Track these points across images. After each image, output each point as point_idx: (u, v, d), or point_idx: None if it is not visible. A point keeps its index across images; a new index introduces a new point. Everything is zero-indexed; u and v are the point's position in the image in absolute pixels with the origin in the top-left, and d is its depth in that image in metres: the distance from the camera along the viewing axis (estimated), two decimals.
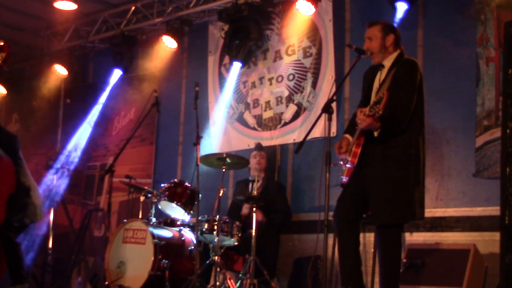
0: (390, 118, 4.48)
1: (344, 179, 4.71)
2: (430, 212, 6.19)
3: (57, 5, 8.10)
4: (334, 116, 4.67)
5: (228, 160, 6.50)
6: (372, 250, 6.09)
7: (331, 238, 4.85)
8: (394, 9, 6.73)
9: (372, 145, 4.61)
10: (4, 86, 10.14)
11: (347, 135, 4.83)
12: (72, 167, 9.76)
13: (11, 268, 5.87)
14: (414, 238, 6.37)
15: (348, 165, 4.66)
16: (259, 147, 7.27)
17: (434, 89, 6.47)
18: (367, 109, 4.51)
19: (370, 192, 4.61)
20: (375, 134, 4.55)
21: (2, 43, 5.83)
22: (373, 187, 4.60)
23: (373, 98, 4.70)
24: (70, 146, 9.81)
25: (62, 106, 10.50)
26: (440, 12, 6.71)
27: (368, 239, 6.35)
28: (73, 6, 8.12)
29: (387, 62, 4.76)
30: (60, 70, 9.66)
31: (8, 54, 5.86)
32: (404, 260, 5.63)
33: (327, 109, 4.54)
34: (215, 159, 6.59)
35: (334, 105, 4.66)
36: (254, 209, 6.32)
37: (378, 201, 4.57)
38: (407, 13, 6.74)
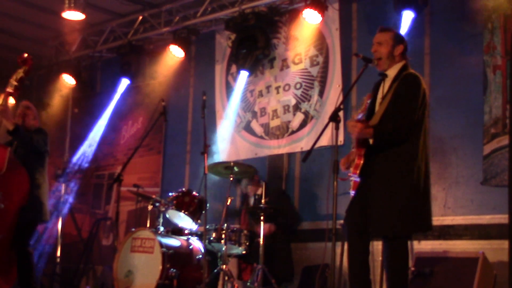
0: (384, 126, 4.48)
1: (352, 193, 4.69)
2: (438, 220, 6.18)
3: (65, 15, 8.12)
4: (341, 124, 4.66)
5: (235, 168, 6.52)
6: (380, 258, 6.07)
7: (339, 246, 4.83)
8: (401, 17, 6.73)
9: (374, 156, 4.59)
10: (12, 96, 10.16)
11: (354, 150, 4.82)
12: (80, 175, 9.80)
13: (21, 277, 5.87)
14: (422, 246, 6.36)
15: (353, 178, 4.64)
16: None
17: (441, 97, 6.47)
18: (355, 116, 4.52)
19: (371, 203, 4.58)
20: (370, 142, 4.53)
21: (25, 56, 5.84)
22: (373, 199, 4.56)
23: (377, 109, 4.69)
24: (78, 154, 9.85)
25: (70, 116, 10.55)
26: (447, 20, 6.72)
27: (376, 247, 6.34)
28: (81, 16, 8.14)
29: (391, 72, 4.73)
30: (68, 80, 9.70)
31: (31, 67, 5.88)
32: (413, 269, 5.61)
33: (334, 117, 4.53)
34: (222, 168, 6.61)
35: (341, 113, 4.67)
36: (262, 217, 6.34)
37: (378, 213, 4.53)
38: (414, 21, 6.74)
